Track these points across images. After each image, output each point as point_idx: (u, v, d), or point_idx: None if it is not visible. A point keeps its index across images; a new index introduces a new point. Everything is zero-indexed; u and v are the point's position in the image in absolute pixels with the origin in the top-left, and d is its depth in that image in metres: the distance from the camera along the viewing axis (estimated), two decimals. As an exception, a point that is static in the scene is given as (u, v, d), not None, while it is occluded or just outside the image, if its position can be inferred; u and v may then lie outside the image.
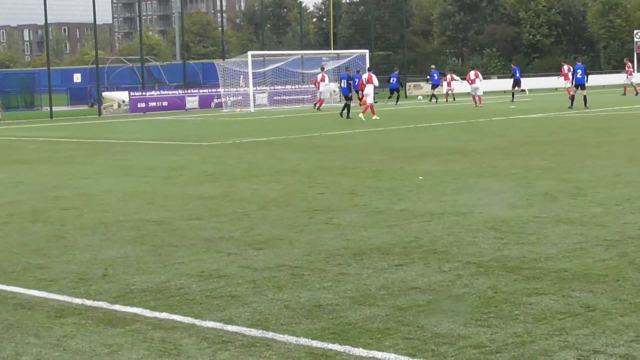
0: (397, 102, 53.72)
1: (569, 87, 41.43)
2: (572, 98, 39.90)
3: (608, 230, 10.19)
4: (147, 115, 48.65)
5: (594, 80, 63.94)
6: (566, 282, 7.84)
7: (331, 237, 10.38)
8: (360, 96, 38.46)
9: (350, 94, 39.35)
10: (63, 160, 22.10)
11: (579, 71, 39.92)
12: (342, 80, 41.06)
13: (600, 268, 8.35)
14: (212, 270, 8.78)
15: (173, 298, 7.75)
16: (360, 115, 35.89)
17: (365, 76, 38.41)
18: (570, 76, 41.92)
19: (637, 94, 52.59)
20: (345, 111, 37.83)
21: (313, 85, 52.35)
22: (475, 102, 46.42)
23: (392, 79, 54.84)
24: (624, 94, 53.69)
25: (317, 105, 48.47)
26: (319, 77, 50.05)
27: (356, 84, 39.68)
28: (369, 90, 36.99)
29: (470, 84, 48.31)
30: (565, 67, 46.18)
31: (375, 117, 35.90)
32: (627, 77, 54.97)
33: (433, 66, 62.24)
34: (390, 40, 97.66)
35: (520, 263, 8.68)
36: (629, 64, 56.78)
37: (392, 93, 54.34)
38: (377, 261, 8.98)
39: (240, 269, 8.84)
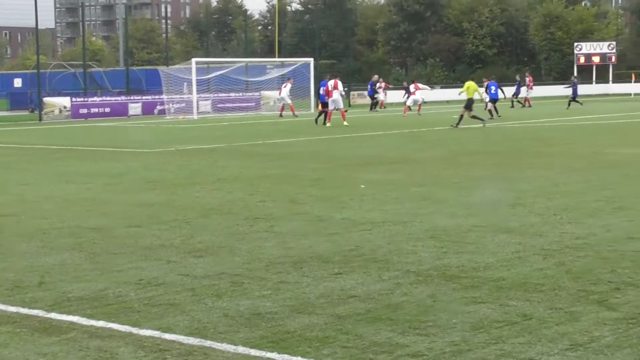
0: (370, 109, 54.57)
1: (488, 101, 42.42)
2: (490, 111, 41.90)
3: (546, 240, 10.31)
4: (89, 121, 48.20)
5: (535, 91, 64.66)
6: (504, 291, 7.91)
7: (272, 245, 10.36)
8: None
9: (327, 101, 39.66)
10: (2, 166, 21.81)
11: (493, 87, 43.27)
12: (322, 88, 41.09)
13: (537, 277, 8.43)
14: (151, 278, 8.71)
15: (110, 306, 7.67)
16: (328, 123, 36.97)
17: (331, 83, 38.56)
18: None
19: (527, 107, 53.89)
20: (320, 117, 38.53)
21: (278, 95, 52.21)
22: (405, 112, 46.85)
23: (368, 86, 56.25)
24: (529, 105, 54.78)
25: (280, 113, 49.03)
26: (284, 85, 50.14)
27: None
28: (336, 96, 37.44)
29: (411, 95, 48.84)
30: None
31: (328, 124, 36.71)
32: (527, 90, 56.05)
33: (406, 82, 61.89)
34: (335, 49, 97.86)
35: (459, 272, 8.74)
36: (530, 77, 57.94)
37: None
38: (317, 270, 8.97)
39: (180, 276, 8.78)
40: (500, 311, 7.26)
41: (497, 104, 43.37)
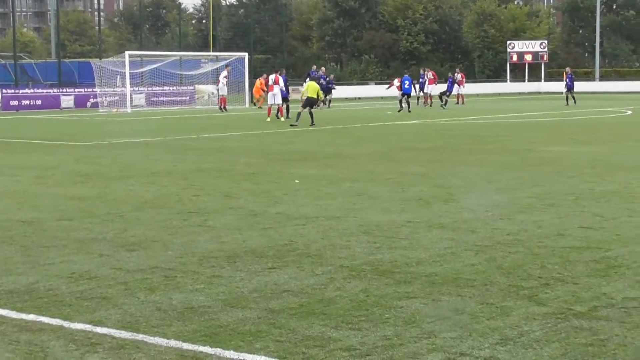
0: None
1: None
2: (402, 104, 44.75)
3: (478, 236, 10.43)
4: (20, 113, 47.54)
5: (469, 88, 65.26)
6: (436, 286, 7.99)
7: (205, 239, 10.33)
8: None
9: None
10: None
11: (406, 82, 45.72)
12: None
13: (469, 272, 8.53)
14: (82, 272, 8.63)
15: (41, 299, 7.59)
16: (268, 119, 37.50)
17: (272, 77, 38.65)
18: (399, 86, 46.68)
19: (460, 104, 54.70)
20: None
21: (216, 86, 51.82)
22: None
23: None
24: (462, 103, 55.49)
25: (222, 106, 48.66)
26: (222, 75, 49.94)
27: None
28: (276, 90, 37.57)
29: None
30: (395, 80, 48.82)
31: (268, 119, 37.22)
32: (459, 87, 56.43)
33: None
34: (269, 44, 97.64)
35: (392, 267, 8.80)
36: (462, 74, 58.86)
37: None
38: (250, 264, 8.98)
39: (112, 270, 8.72)
40: (433, 306, 7.33)
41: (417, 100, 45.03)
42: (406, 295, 7.70)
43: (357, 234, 10.58)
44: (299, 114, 33.95)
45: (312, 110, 34.10)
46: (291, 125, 33.15)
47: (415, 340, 6.39)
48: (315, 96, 34.40)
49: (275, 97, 38.04)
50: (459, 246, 9.82)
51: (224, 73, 50.15)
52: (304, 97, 34.24)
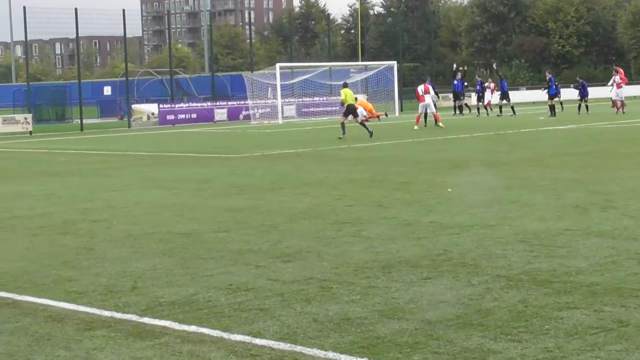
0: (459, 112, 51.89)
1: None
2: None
3: (640, 243, 10.08)
4: (176, 127, 48.85)
5: (624, 91, 63.37)
6: (598, 297, 7.75)
7: (359, 249, 10.33)
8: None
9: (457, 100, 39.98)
10: (93, 172, 22.19)
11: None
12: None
13: (632, 282, 8.24)
14: (240, 283, 8.75)
15: (201, 311, 7.73)
16: (416, 127, 37.06)
17: (421, 87, 38.25)
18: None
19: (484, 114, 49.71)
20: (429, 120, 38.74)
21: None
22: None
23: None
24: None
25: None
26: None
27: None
28: (428, 100, 37.33)
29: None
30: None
31: (416, 127, 36.70)
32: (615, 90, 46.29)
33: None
34: (418, 52, 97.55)
35: (551, 276, 8.59)
36: (621, 71, 47.32)
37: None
38: (405, 274, 8.92)
39: (269, 281, 8.81)
40: (595, 317, 7.11)
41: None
42: (567, 305, 7.49)
43: (513, 243, 10.39)
44: (343, 124, 32.99)
45: (365, 120, 32.93)
46: (339, 138, 31.92)
47: (579, 352, 6.20)
48: (353, 103, 33.43)
49: (428, 106, 37.64)
50: (620, 254, 9.51)
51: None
52: (345, 106, 33.23)
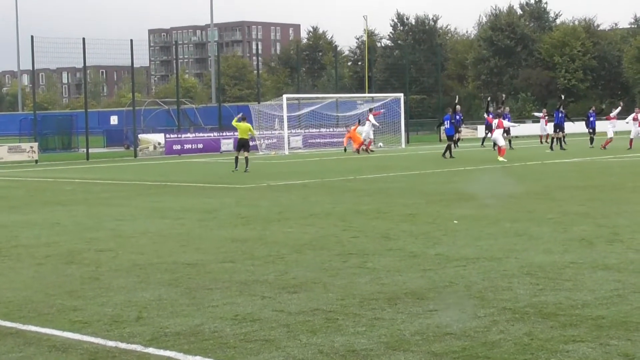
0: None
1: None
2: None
3: (646, 277, 10.06)
4: (183, 157, 48.95)
5: (630, 125, 63.28)
6: (604, 330, 7.73)
7: (365, 281, 10.32)
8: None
9: (454, 134, 39.95)
10: (99, 201, 22.23)
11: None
12: (445, 121, 41.38)
13: (639, 316, 8.23)
14: (246, 314, 8.75)
15: (207, 341, 7.73)
16: (501, 158, 36.10)
17: (495, 122, 38.34)
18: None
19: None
20: (447, 152, 38.97)
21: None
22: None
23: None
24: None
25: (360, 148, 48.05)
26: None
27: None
28: (497, 135, 37.41)
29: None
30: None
31: (501, 158, 35.68)
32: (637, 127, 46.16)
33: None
34: (424, 84, 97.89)
35: (557, 309, 8.58)
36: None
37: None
38: (411, 306, 8.91)
39: (274, 312, 8.81)
40: (601, 350, 7.09)
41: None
42: (572, 339, 7.48)
43: (519, 275, 10.38)
44: (236, 158, 33.32)
45: (247, 153, 32.94)
46: (232, 171, 32.31)
47: (584, 386, 6.18)
48: (247, 137, 33.66)
49: (498, 140, 37.33)
50: (626, 288, 9.50)
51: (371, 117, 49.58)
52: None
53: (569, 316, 8.29)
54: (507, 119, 46.03)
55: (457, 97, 52.75)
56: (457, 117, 46.26)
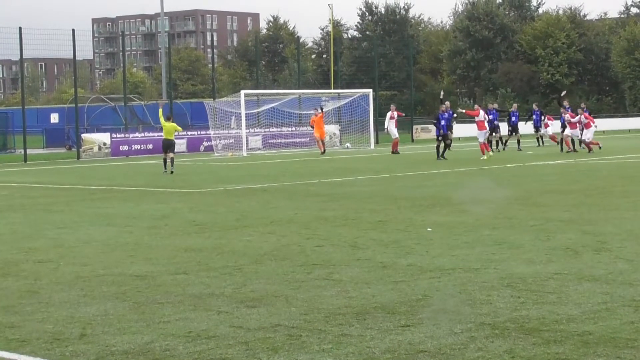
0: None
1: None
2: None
3: (636, 289, 10.17)
4: (130, 159, 48.78)
5: (618, 124, 64.04)
6: (591, 347, 7.81)
7: (331, 294, 10.35)
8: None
9: (448, 133, 40.35)
10: (38, 207, 22.09)
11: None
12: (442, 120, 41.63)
13: (628, 331, 8.31)
14: (200, 330, 8.74)
15: (157, 361, 7.72)
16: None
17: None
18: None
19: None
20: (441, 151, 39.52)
21: (310, 127, 51.56)
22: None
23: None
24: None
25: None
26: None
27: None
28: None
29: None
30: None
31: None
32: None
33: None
34: (395, 79, 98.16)
35: (540, 325, 8.65)
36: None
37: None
38: (381, 321, 8.94)
39: (232, 329, 8.80)
40: (587, 368, 7.16)
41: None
42: (557, 356, 7.54)
43: (498, 288, 10.45)
44: (164, 160, 34.75)
45: (172, 154, 34.52)
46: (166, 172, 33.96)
47: (570, 407, 6.24)
48: (172, 137, 35.15)
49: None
50: (615, 301, 9.59)
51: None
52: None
53: (553, 332, 8.36)
54: (492, 115, 46.27)
55: (441, 92, 52.69)
56: (447, 115, 46.46)
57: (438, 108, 43.52)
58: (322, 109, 50.84)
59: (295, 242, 14.61)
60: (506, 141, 48.92)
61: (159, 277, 11.73)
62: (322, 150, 47.78)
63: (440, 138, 40.08)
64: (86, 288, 11.12)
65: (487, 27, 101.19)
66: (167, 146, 34.89)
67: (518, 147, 46.91)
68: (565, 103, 44.25)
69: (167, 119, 35.99)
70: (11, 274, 12.36)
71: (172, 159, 34.31)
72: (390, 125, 48.11)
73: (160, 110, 37.71)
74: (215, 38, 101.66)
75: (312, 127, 49.65)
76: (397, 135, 47.72)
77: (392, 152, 46.21)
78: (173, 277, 11.76)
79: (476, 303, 9.67)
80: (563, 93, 47.83)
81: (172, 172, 33.34)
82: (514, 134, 49.00)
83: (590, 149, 41.05)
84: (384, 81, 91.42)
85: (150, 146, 52.55)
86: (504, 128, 49.73)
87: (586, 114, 42.87)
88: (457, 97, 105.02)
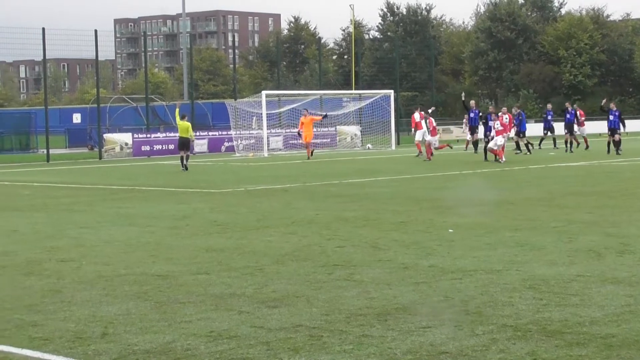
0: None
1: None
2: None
3: (659, 292, 10.12)
4: (152, 159, 48.88)
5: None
6: (614, 349, 7.77)
7: (352, 295, 10.34)
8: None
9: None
10: (60, 207, 22.17)
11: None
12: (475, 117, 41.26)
13: (651, 333, 8.28)
14: (221, 330, 8.75)
15: (179, 360, 7.74)
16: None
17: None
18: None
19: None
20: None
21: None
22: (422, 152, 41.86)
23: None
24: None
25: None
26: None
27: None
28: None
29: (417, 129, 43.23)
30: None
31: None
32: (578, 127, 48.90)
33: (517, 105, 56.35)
34: (416, 80, 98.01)
35: (562, 327, 8.62)
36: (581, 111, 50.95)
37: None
38: (402, 322, 8.93)
39: (253, 329, 8.81)
40: (610, 371, 7.13)
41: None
42: (579, 359, 7.52)
43: (520, 290, 10.42)
44: (181, 158, 36.36)
45: (187, 152, 36.52)
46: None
47: (592, 410, 6.22)
48: (187, 135, 36.85)
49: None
50: (638, 303, 9.55)
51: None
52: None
53: (576, 334, 8.33)
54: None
55: (463, 94, 52.67)
56: (473, 114, 46.21)
57: (460, 109, 43.33)
58: (308, 110, 48.86)
59: (316, 243, 14.60)
60: (541, 140, 49.27)
61: (181, 277, 11.76)
62: (309, 155, 45.35)
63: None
64: (108, 287, 11.16)
65: (509, 27, 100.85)
66: (183, 144, 36.71)
67: (554, 145, 47.35)
68: (612, 105, 43.80)
69: (182, 117, 37.35)
70: (34, 273, 12.41)
71: (187, 156, 36.39)
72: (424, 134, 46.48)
73: (177, 110, 38.34)
74: (236, 39, 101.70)
75: (301, 130, 47.29)
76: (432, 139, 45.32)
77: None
78: (194, 277, 11.78)
79: (498, 305, 9.65)
80: (604, 101, 46.39)
81: (186, 169, 35.45)
82: (549, 133, 49.32)
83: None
84: (405, 82, 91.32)
85: (171, 146, 52.54)
86: (535, 130, 49.87)
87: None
88: (478, 98, 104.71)
